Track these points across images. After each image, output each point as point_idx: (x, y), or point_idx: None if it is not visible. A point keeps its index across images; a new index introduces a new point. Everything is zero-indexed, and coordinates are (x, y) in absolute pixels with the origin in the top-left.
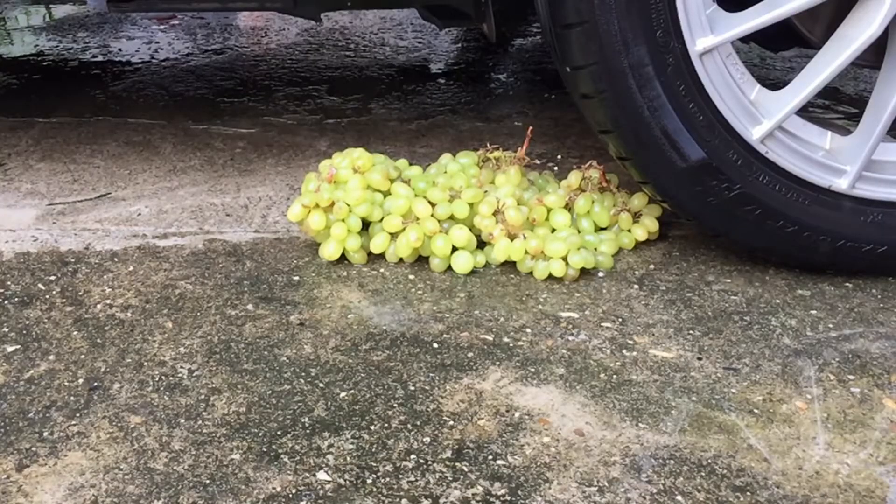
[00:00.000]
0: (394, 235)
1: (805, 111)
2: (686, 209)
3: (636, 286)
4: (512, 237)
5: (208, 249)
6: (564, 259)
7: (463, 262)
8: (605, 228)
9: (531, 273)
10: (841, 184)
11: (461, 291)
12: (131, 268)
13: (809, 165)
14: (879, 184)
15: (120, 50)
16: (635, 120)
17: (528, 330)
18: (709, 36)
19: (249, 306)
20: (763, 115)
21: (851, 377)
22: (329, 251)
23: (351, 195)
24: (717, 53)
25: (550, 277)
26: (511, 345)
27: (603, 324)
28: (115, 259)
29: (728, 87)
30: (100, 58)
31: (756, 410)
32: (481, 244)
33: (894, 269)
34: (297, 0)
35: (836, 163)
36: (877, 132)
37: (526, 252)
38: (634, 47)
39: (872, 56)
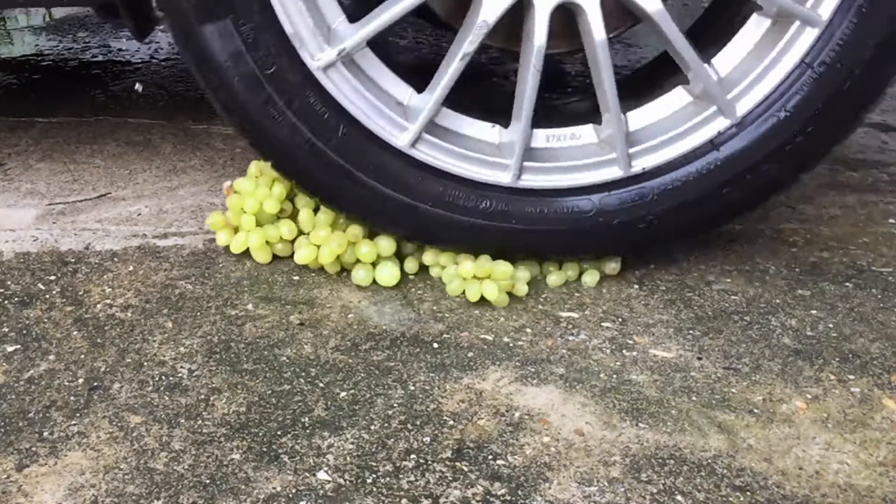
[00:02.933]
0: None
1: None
2: None
3: (636, 286)
4: None
5: (208, 249)
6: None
7: (388, 275)
8: None
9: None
10: (503, 178)
11: None
12: (131, 268)
13: (477, 165)
14: (542, 172)
15: (120, 50)
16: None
17: (528, 330)
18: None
19: (249, 306)
20: (410, 120)
21: (851, 377)
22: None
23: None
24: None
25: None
26: (511, 345)
27: (603, 324)
28: (115, 259)
29: (369, 104)
30: (100, 58)
31: (756, 410)
32: None
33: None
34: None
35: (499, 157)
36: (434, 99)
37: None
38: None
39: (502, 40)
